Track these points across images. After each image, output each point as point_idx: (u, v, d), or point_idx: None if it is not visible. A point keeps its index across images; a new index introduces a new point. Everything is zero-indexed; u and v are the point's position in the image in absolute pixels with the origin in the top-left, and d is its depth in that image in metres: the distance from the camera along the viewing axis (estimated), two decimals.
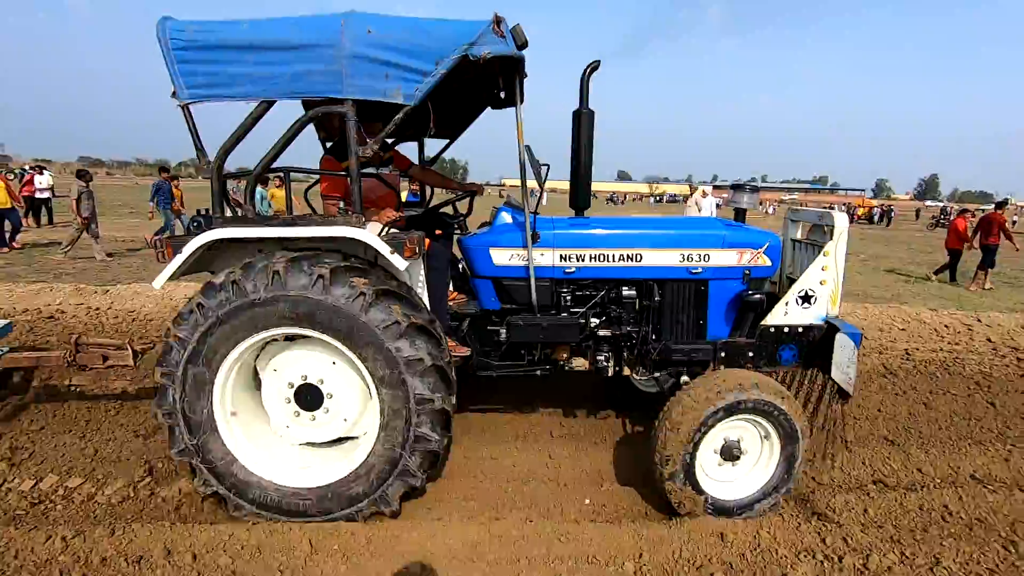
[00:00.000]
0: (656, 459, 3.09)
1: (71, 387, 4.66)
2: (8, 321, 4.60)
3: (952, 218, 12.61)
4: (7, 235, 11.75)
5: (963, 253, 11.65)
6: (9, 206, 11.68)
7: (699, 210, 12.26)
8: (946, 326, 7.03)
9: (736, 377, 3.06)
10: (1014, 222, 35.53)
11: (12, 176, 21.45)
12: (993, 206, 12.76)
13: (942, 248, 16.51)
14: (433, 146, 4.67)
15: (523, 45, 2.91)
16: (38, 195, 16.00)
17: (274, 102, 2.78)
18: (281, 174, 3.18)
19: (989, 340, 6.61)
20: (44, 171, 17.02)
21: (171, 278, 2.88)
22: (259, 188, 12.94)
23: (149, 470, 3.56)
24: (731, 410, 3.00)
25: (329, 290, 2.72)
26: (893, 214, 41.60)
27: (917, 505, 3.34)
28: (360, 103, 2.76)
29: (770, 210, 48.10)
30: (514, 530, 2.91)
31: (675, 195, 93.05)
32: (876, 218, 40.48)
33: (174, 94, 2.75)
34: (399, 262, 2.84)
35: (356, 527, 2.87)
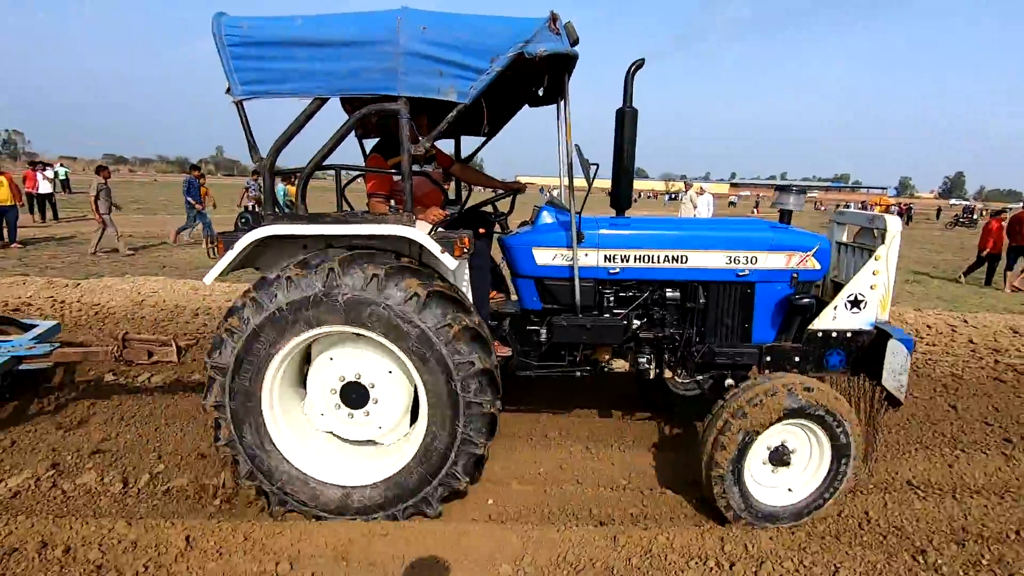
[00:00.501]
0: (704, 463, 3.06)
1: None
2: (56, 322, 4.69)
3: (988, 219, 12.22)
4: (4, 231, 11.92)
5: (1000, 255, 11.37)
6: (10, 203, 11.84)
7: (694, 208, 11.94)
8: (929, 326, 6.92)
9: (789, 381, 3.00)
10: None
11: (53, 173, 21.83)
12: (1021, 205, 12.35)
13: (956, 248, 16.16)
14: (468, 143, 4.66)
15: (575, 42, 2.88)
16: (40, 191, 16.29)
17: (327, 99, 2.78)
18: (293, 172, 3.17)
19: (971, 342, 6.49)
20: (48, 167, 17.30)
21: (222, 274, 2.90)
22: (280, 184, 13.11)
23: (53, 464, 3.56)
24: (786, 415, 2.95)
25: (383, 290, 2.71)
26: (912, 213, 40.88)
27: (837, 511, 3.25)
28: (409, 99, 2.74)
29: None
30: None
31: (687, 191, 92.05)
32: None
33: (228, 90, 2.76)
34: (449, 261, 2.83)
35: (236, 525, 2.86)
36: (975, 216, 39.36)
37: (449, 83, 2.68)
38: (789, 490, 3.14)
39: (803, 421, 3.02)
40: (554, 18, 2.69)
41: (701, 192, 12.34)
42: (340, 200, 3.08)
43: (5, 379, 4.18)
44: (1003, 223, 11.50)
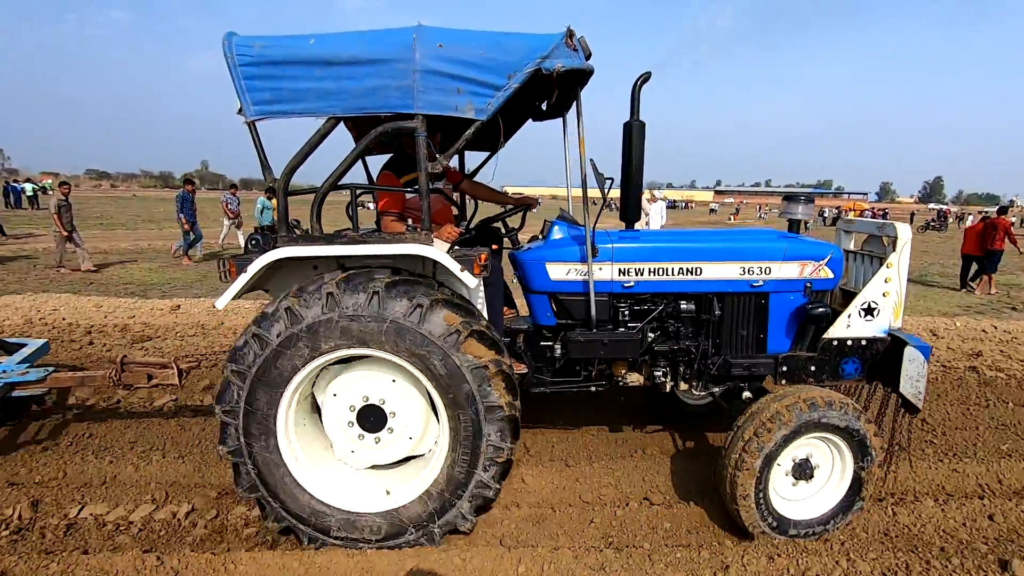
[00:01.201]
0: (726, 477, 3.03)
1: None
2: (44, 341, 4.53)
3: (976, 222, 12.47)
4: None
5: (983, 257, 11.58)
6: None
7: (646, 215, 11.47)
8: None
9: (810, 394, 2.99)
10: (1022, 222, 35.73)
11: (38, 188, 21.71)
12: (996, 210, 12.58)
13: (925, 253, 16.49)
14: (471, 159, 4.63)
15: (588, 56, 2.87)
16: None
17: (341, 119, 2.73)
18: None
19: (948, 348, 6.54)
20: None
21: (235, 297, 2.82)
22: (262, 198, 13.03)
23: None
24: (806, 428, 2.94)
25: (385, 305, 2.66)
26: (887, 218, 41.72)
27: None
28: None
29: (762, 215, 48.42)
30: None
31: (673, 201, 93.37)
32: None
33: (240, 111, 2.70)
34: (469, 280, 2.79)
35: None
36: (947, 220, 40.22)
37: (467, 100, 2.66)
38: (812, 502, 3.12)
39: (825, 434, 3.01)
40: (571, 34, 2.69)
41: (653, 200, 11.66)
42: (356, 219, 3.02)
43: None
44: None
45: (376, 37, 2.65)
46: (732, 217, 46.33)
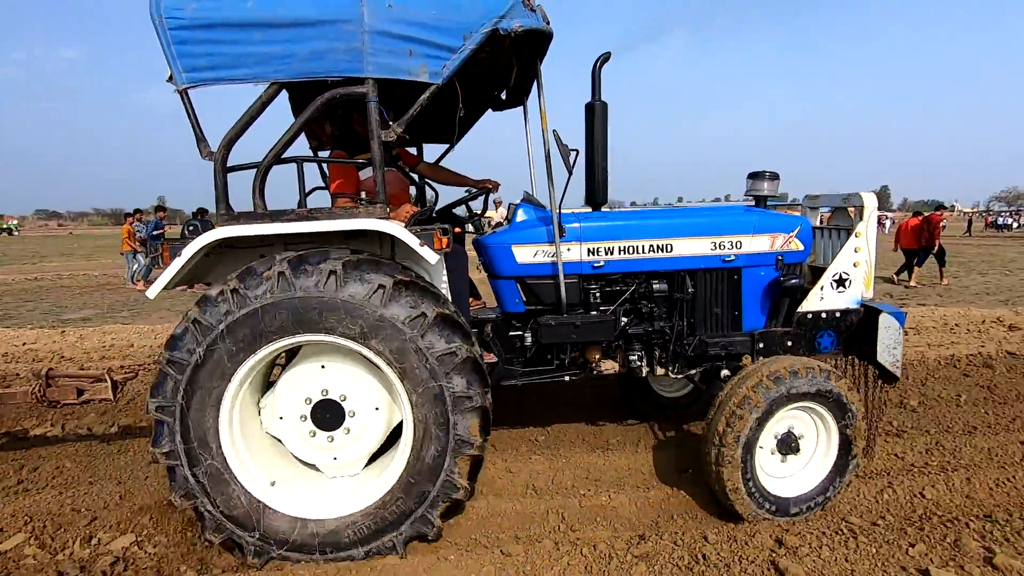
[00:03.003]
0: (712, 474, 2.88)
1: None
2: None
3: (906, 219, 13.14)
4: None
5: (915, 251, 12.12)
6: None
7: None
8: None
9: (773, 368, 2.88)
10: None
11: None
12: (934, 208, 13.37)
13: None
14: (430, 152, 4.47)
15: (547, 24, 2.77)
16: None
17: (284, 84, 2.53)
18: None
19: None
20: None
21: (167, 287, 2.54)
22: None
23: None
24: (778, 404, 2.83)
25: (343, 287, 2.43)
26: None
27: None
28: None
29: None
30: None
31: None
32: None
33: (170, 78, 2.47)
34: (430, 255, 2.59)
35: None
36: (881, 223, 42.35)
37: (420, 63, 2.50)
38: (806, 473, 3.00)
39: (800, 404, 2.90)
40: None
41: (499, 204, 10.99)
42: (303, 197, 2.79)
43: None
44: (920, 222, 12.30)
45: None
46: None
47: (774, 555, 2.55)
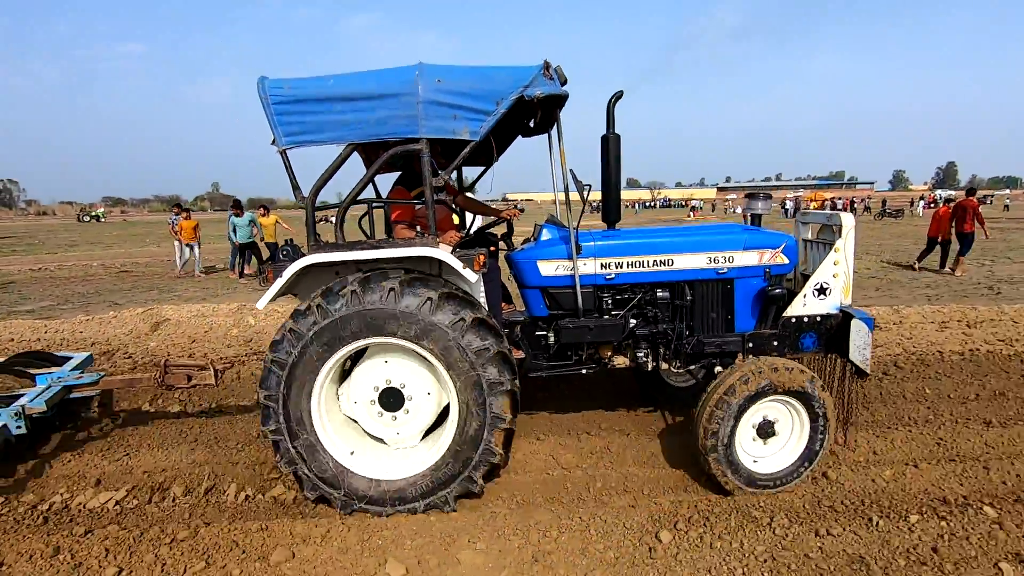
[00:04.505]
0: (700, 434, 3.48)
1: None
2: (88, 353, 5.03)
3: (941, 206, 13.01)
4: None
5: (950, 240, 12.11)
6: None
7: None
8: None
9: (772, 362, 3.46)
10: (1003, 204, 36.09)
11: None
12: (965, 192, 12.89)
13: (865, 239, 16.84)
14: (470, 173, 5.16)
15: (564, 82, 3.39)
16: None
17: (360, 144, 3.24)
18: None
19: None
20: None
21: (271, 300, 3.32)
22: (233, 217, 13.23)
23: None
24: (768, 391, 3.41)
25: (400, 300, 3.15)
26: (854, 206, 42.17)
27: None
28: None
29: (733, 210, 49.65)
30: None
31: (668, 200, 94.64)
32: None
33: (273, 142, 3.22)
34: (471, 276, 3.28)
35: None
36: (901, 208, 40.83)
37: (463, 124, 3.17)
38: (776, 459, 3.58)
39: (784, 397, 3.48)
40: (547, 65, 3.21)
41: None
42: (372, 229, 3.52)
43: (56, 408, 4.51)
44: (950, 210, 12.16)
45: (385, 75, 3.17)
46: (692, 213, 48.04)
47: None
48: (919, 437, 4.24)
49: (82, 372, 4.53)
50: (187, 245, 14.03)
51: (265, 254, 13.00)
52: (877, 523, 3.13)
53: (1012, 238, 19.34)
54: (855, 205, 42.72)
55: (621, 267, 3.90)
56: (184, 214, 14.29)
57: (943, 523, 3.12)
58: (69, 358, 4.90)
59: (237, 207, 13.46)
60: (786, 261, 3.93)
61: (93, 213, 60.04)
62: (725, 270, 3.90)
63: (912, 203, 44.63)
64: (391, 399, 3.45)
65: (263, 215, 13.71)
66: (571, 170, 3.59)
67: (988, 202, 55.96)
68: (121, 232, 35.03)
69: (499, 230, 4.61)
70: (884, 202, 44.35)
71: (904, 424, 4.50)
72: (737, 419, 3.42)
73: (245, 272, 13.48)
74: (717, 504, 3.42)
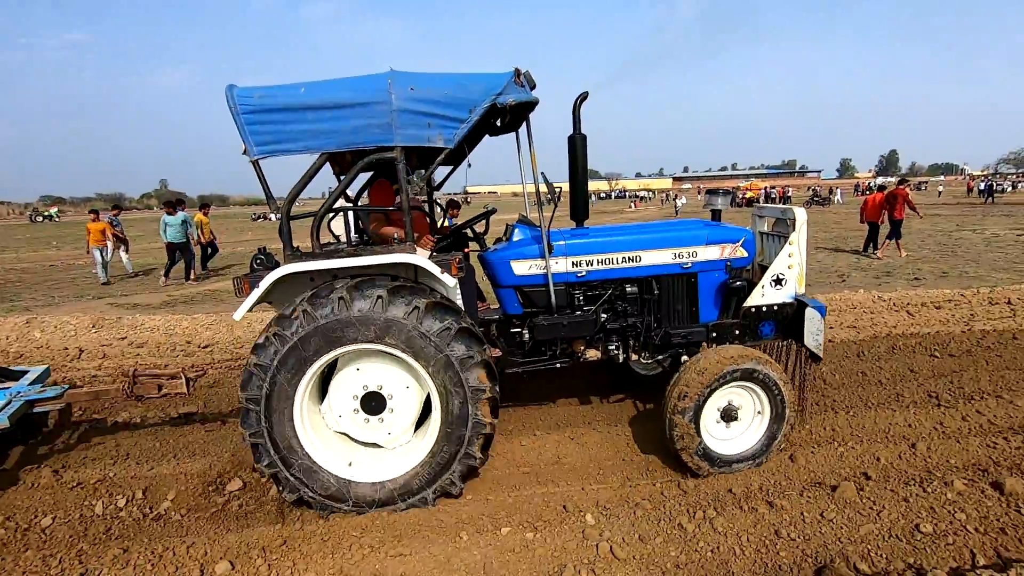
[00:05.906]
0: (668, 415, 3.67)
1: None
2: (46, 366, 4.87)
3: (872, 193, 14.17)
4: None
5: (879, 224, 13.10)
6: None
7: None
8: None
9: (736, 351, 3.67)
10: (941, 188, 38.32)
11: None
12: (895, 181, 14.26)
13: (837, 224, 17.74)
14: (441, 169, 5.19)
15: (534, 87, 3.47)
16: None
17: (333, 154, 3.25)
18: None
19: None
20: None
21: (249, 310, 3.31)
22: (165, 215, 12.83)
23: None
24: (732, 376, 3.63)
25: (388, 308, 3.19)
26: (789, 196, 44.21)
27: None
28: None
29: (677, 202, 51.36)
30: None
31: (623, 191, 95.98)
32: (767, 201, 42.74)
33: (244, 152, 3.18)
34: (449, 280, 3.35)
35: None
36: (828, 195, 43.13)
37: (437, 132, 3.22)
38: (739, 441, 3.82)
39: (745, 383, 3.71)
40: (518, 73, 3.28)
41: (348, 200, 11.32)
42: (349, 235, 3.54)
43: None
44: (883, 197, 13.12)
45: (357, 83, 3.18)
46: (634, 204, 50.54)
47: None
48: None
49: (43, 385, 4.39)
50: (97, 249, 13.14)
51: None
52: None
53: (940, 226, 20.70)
54: (788, 195, 44.67)
55: (592, 265, 4.05)
56: (93, 215, 13.58)
57: None
58: (25, 372, 4.73)
59: (170, 205, 13.06)
60: (745, 254, 4.16)
61: (46, 213, 60.04)
62: (689, 264, 4.10)
63: (831, 191, 46.60)
64: (373, 403, 3.51)
65: (205, 214, 13.38)
66: (542, 173, 3.69)
67: (922, 189, 59.46)
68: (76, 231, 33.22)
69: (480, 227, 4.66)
70: (812, 190, 46.55)
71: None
72: (703, 402, 3.63)
73: (171, 273, 13.06)
74: (682, 483, 3.63)
